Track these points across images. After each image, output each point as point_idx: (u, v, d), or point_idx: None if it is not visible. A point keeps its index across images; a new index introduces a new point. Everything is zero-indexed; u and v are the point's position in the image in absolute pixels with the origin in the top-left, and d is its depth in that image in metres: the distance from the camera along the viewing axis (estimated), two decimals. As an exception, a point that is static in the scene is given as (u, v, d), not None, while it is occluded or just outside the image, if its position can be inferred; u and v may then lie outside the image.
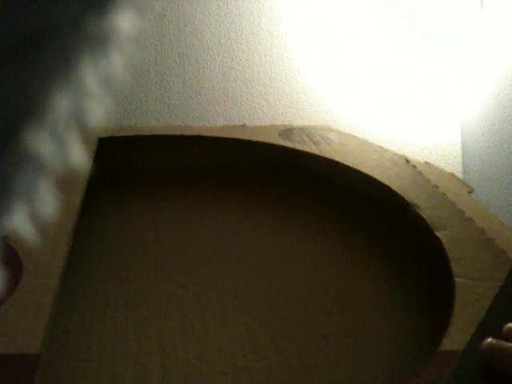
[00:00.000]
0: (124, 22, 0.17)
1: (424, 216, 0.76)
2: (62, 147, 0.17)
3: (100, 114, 0.18)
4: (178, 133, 1.07)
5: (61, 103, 0.17)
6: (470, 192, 0.86)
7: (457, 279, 0.64)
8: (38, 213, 0.17)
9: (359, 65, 1.61)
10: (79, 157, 0.17)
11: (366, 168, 0.92)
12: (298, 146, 1.01)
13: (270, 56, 1.59)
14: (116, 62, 0.18)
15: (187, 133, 1.07)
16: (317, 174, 1.04)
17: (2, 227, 0.17)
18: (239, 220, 0.92)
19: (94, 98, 0.18)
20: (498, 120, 1.47)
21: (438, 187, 0.84)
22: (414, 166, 0.92)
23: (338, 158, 0.96)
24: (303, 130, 1.09)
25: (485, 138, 1.53)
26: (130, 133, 1.06)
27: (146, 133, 1.08)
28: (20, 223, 0.17)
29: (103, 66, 0.18)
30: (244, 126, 1.11)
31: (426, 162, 0.98)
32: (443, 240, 0.71)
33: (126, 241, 0.85)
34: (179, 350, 0.63)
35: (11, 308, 0.56)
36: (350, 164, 0.94)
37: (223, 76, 1.58)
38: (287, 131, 1.08)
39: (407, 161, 0.95)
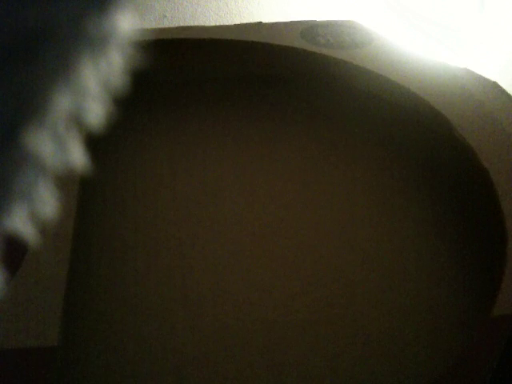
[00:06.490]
0: (124, 22, 0.19)
1: (469, 140, 0.71)
2: (61, 147, 0.19)
3: (100, 114, 0.19)
4: (188, 36, 0.98)
5: (60, 103, 0.19)
6: None
7: (509, 221, 0.60)
8: (37, 213, 0.19)
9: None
10: (79, 156, 0.19)
11: (403, 78, 0.87)
12: (325, 51, 0.95)
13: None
14: (116, 62, 0.19)
15: (196, 35, 0.98)
16: (347, 86, 0.97)
17: (3, 227, 0.19)
18: (262, 141, 0.86)
19: (94, 99, 0.19)
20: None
21: (483, 103, 0.78)
22: (457, 76, 0.86)
23: (369, 66, 0.91)
24: (328, 28, 1.04)
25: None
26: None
27: (149, 37, 0.96)
28: (20, 223, 0.19)
29: (103, 66, 0.19)
30: (260, 23, 1.04)
31: (465, 68, 0.92)
32: (491, 172, 0.66)
33: (142, 177, 0.81)
34: (203, 302, 0.63)
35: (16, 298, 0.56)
36: (384, 73, 0.89)
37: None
38: (310, 30, 1.03)
39: (448, 68, 0.89)
